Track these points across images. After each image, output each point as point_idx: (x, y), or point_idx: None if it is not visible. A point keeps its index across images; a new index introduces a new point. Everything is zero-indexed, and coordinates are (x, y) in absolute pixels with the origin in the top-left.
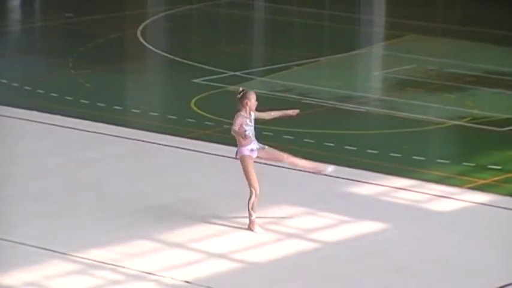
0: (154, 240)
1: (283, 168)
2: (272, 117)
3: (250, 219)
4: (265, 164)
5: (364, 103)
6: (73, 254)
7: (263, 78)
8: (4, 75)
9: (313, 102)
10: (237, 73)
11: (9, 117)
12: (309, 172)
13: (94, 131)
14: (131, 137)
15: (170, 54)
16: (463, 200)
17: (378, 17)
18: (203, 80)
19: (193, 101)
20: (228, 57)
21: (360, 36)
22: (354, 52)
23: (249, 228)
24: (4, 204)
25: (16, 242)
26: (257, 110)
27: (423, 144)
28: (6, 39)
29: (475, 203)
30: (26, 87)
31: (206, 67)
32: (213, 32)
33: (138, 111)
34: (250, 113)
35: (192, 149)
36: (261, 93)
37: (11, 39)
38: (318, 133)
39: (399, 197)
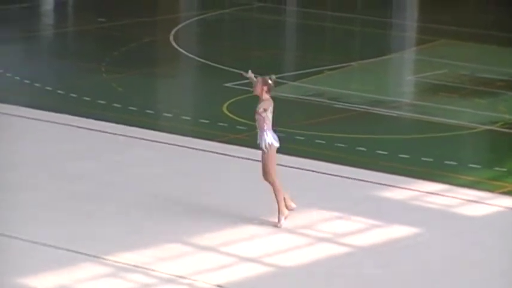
0: (185, 244)
1: (314, 173)
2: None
3: (283, 214)
4: (295, 167)
5: (395, 108)
6: (104, 257)
7: (295, 83)
8: (37, 79)
9: (345, 107)
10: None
11: (42, 120)
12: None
13: (126, 134)
14: (163, 141)
15: (202, 58)
16: (494, 205)
17: (410, 21)
18: (235, 84)
19: (225, 105)
20: (260, 62)
21: (392, 41)
22: (385, 57)
23: (279, 219)
24: (36, 207)
25: (48, 245)
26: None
27: (455, 149)
28: (40, 44)
29: (506, 207)
30: (59, 91)
31: (238, 71)
32: (245, 36)
33: (170, 115)
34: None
35: (224, 153)
36: (293, 97)
37: (44, 43)
38: (349, 138)
39: (431, 202)
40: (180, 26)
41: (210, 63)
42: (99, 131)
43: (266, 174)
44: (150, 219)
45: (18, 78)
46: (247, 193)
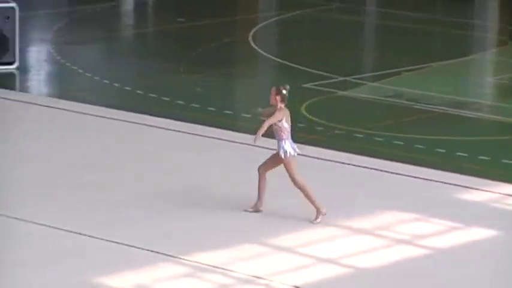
0: (263, 244)
1: (392, 174)
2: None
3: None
4: (373, 168)
5: (475, 109)
6: (182, 257)
7: (374, 84)
8: (116, 79)
9: (425, 108)
10: (347, 78)
11: (121, 120)
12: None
13: (205, 135)
14: (241, 141)
15: (281, 58)
16: None
17: (491, 22)
18: (313, 85)
19: (303, 106)
20: (338, 62)
21: (473, 42)
22: (466, 58)
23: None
24: (113, 208)
25: (127, 245)
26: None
27: None
28: (119, 44)
29: None
30: (138, 91)
31: (316, 72)
32: (324, 36)
33: (248, 115)
34: None
35: (302, 154)
36: (371, 98)
37: (124, 43)
38: (428, 139)
39: (511, 204)
40: (258, 26)
41: (288, 63)
42: (178, 131)
43: (292, 181)
44: (228, 219)
45: (97, 78)
46: (325, 194)
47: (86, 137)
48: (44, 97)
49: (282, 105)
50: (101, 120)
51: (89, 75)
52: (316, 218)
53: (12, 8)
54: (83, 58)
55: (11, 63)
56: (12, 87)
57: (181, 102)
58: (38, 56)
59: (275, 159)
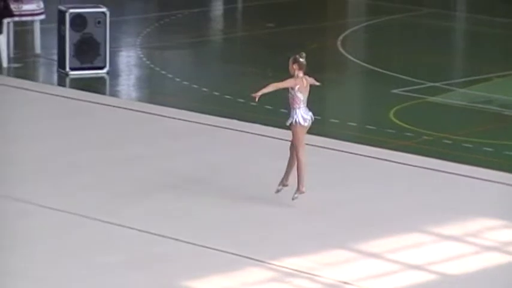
0: (350, 250)
1: (482, 181)
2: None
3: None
4: (462, 175)
5: None
6: (269, 261)
7: (463, 90)
8: (205, 84)
9: None
10: (436, 84)
11: (209, 125)
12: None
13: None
14: (329, 147)
15: (370, 64)
16: None
17: None
18: (402, 91)
19: (392, 111)
20: (428, 68)
21: None
22: None
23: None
24: (199, 211)
25: (215, 249)
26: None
27: None
28: (208, 49)
29: None
30: (227, 96)
31: (405, 78)
32: (413, 42)
33: (336, 121)
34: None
35: (391, 159)
36: (461, 104)
37: (213, 48)
38: None
39: None
40: (347, 31)
41: (377, 69)
42: (266, 136)
43: (295, 149)
44: (314, 224)
45: (186, 83)
46: (415, 201)
47: (176, 143)
48: (134, 102)
49: (300, 74)
50: (190, 125)
51: (178, 80)
52: (296, 193)
53: (103, 13)
54: (172, 63)
55: (101, 68)
56: (102, 92)
57: (269, 107)
58: (128, 61)
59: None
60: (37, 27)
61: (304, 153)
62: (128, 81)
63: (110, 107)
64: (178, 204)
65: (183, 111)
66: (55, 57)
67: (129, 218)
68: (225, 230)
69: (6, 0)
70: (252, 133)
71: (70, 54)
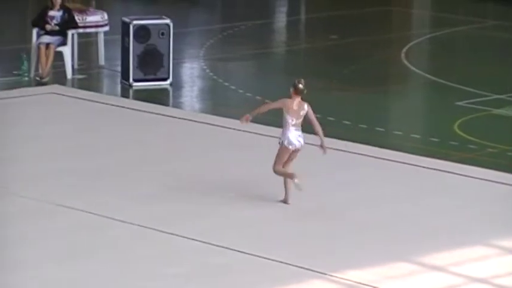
0: (413, 263)
1: None
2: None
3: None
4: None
5: None
6: (332, 274)
7: None
8: (268, 96)
9: None
10: (501, 96)
11: (271, 136)
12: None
13: (356, 152)
14: (393, 159)
15: (434, 76)
16: None
17: None
18: (467, 103)
19: (456, 123)
20: (492, 80)
21: None
22: None
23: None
24: (262, 223)
25: (278, 261)
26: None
27: None
28: (271, 60)
29: None
30: None
31: (470, 89)
32: (478, 54)
33: (400, 133)
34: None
35: (455, 172)
36: None
37: (276, 60)
38: None
39: None
40: (411, 43)
41: (441, 81)
42: (329, 148)
43: (273, 167)
44: (378, 237)
45: (249, 94)
46: (477, 213)
47: (239, 154)
48: (197, 113)
49: (296, 99)
50: (253, 136)
51: (241, 91)
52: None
53: (167, 24)
54: (235, 74)
55: (165, 79)
56: (165, 103)
57: (332, 118)
58: (191, 72)
59: None
60: (101, 39)
61: (278, 168)
62: (191, 92)
63: (173, 118)
64: (241, 216)
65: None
66: (119, 68)
67: (192, 230)
68: (288, 242)
69: (71, 11)
70: (315, 145)
71: (134, 66)
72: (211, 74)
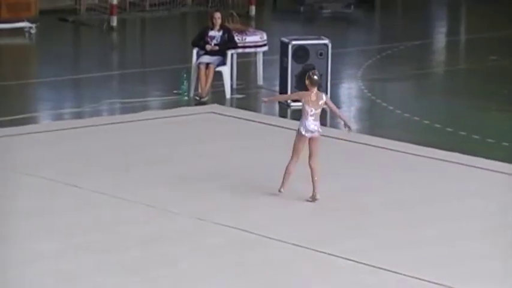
0: None
1: None
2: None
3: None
4: None
5: None
6: (454, 286)
7: None
8: (426, 116)
9: None
10: None
11: (429, 158)
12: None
13: None
14: None
15: None
16: None
17: None
18: None
19: None
20: None
21: None
22: None
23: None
24: (424, 246)
25: (432, 282)
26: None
27: None
28: (429, 81)
29: None
30: (448, 129)
31: None
32: None
33: None
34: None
35: None
36: None
37: (434, 80)
38: None
39: None
40: None
41: None
42: (488, 169)
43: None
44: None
45: (407, 115)
46: None
47: (395, 175)
48: (354, 133)
49: (313, 90)
50: (410, 157)
51: (398, 112)
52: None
53: (325, 44)
54: (393, 95)
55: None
56: (323, 123)
57: (491, 140)
58: (349, 93)
59: None
60: (260, 59)
61: (294, 162)
62: (349, 112)
63: (329, 138)
64: (396, 237)
65: (403, 143)
66: (277, 88)
67: (344, 249)
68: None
69: (230, 32)
70: (476, 167)
71: (292, 86)
72: (369, 94)
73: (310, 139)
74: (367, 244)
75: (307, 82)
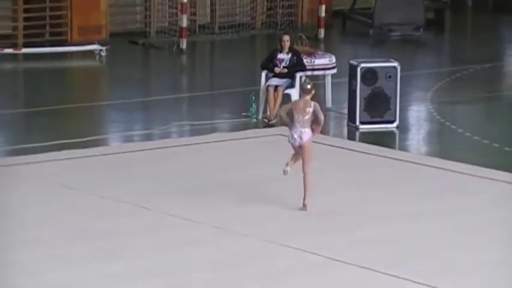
0: None
1: None
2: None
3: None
4: None
5: None
6: None
7: None
8: (496, 139)
9: None
10: None
11: (499, 181)
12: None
13: None
14: None
15: None
16: None
17: None
18: None
19: None
20: None
21: None
22: None
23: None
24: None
25: None
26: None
27: None
28: (501, 104)
29: None
30: None
31: None
32: None
33: None
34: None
35: None
36: None
37: (505, 103)
38: None
39: None
40: None
41: None
42: None
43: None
44: None
45: (477, 138)
46: None
47: (465, 199)
48: (423, 156)
49: (306, 97)
50: (480, 180)
51: (468, 134)
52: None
53: (394, 67)
54: (462, 117)
55: (391, 122)
56: (392, 146)
57: None
58: (418, 115)
59: None
60: (329, 82)
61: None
62: (418, 135)
63: (398, 161)
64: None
65: (472, 166)
66: (345, 111)
67: (414, 272)
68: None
69: (299, 54)
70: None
71: (360, 108)
72: (438, 117)
73: (300, 147)
74: (434, 267)
75: (300, 91)
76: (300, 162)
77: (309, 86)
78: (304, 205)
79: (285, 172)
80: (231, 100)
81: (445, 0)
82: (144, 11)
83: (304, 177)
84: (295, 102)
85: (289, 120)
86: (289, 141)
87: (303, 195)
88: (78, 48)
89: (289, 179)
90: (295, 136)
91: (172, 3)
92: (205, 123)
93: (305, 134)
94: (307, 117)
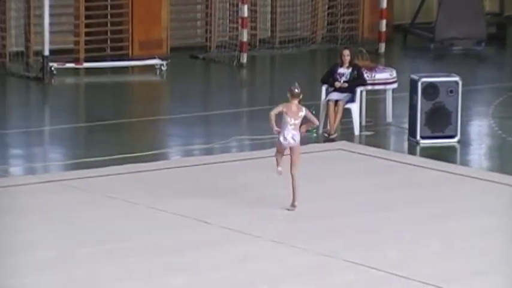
0: None
1: None
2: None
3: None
4: None
5: None
6: None
7: None
8: None
9: None
10: None
11: None
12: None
13: None
14: None
15: None
16: None
17: None
18: None
19: None
20: None
21: None
22: None
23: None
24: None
25: None
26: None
27: None
28: None
29: None
30: None
31: None
32: None
33: None
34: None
35: None
36: None
37: None
38: None
39: None
40: None
41: None
42: None
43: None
44: None
45: None
46: None
47: None
48: (484, 171)
49: (293, 101)
50: None
51: None
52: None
53: (456, 82)
54: None
55: (452, 137)
56: (452, 161)
57: None
58: (479, 130)
59: None
60: (389, 96)
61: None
62: (479, 150)
63: (460, 176)
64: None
65: None
66: (406, 125)
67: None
68: None
69: (360, 69)
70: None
71: (421, 123)
72: (499, 132)
73: (291, 148)
74: (495, 283)
75: (288, 95)
76: (283, 160)
77: (297, 90)
78: (294, 206)
79: (279, 173)
80: None
81: (507, 15)
82: (205, 26)
83: (292, 181)
84: (287, 105)
85: (274, 123)
86: (279, 141)
87: (291, 198)
88: (138, 63)
89: (350, 193)
90: (288, 138)
91: (232, 17)
92: (265, 138)
93: (297, 136)
94: (298, 120)
